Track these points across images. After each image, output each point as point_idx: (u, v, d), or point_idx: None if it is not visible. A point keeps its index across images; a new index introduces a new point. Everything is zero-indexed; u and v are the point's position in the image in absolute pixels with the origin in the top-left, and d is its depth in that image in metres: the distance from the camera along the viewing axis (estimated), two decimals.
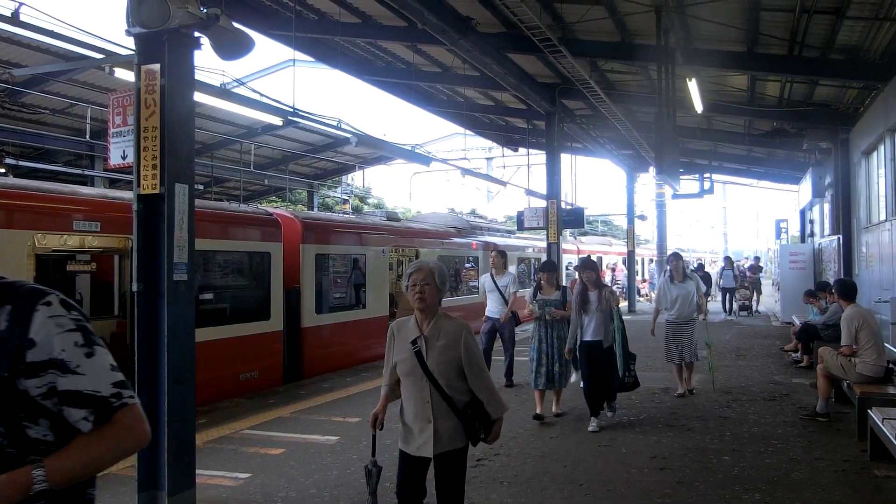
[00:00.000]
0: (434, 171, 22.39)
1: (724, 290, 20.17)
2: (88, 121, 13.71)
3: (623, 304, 24.66)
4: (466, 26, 9.47)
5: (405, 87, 14.70)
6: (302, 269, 10.49)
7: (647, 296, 27.79)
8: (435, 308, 3.37)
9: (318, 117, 11.26)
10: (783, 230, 26.52)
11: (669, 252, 11.56)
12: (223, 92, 9.02)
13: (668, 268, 9.03)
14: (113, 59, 7.17)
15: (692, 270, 16.24)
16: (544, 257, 16.73)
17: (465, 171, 17.24)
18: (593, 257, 31.14)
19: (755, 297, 21.89)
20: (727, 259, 21.88)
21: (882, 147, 10.26)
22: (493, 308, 9.36)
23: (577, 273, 8.41)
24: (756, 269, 22.66)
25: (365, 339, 11.95)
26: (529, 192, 18.12)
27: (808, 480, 5.24)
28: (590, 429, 6.81)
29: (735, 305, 20.33)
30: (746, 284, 21.41)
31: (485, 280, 9.48)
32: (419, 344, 3.30)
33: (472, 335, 3.38)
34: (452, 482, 3.37)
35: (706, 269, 22.86)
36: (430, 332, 3.33)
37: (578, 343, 7.05)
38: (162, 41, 4.76)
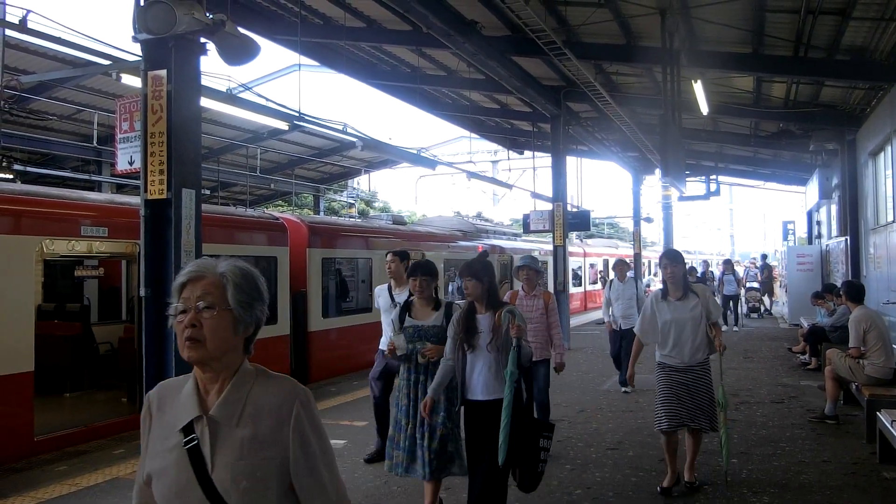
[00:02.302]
0: (440, 174, 22.43)
1: (725, 299, 17.22)
2: (95, 126, 13.78)
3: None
4: (471, 30, 9.48)
5: (410, 91, 14.72)
6: (308, 273, 10.51)
7: None
8: (234, 359, 1.68)
9: (323, 121, 11.29)
10: (790, 232, 26.42)
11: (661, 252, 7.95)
12: (229, 97, 9.05)
13: (654, 281, 8.06)
14: (120, 65, 7.19)
15: (696, 280, 15.71)
16: (550, 260, 16.67)
17: (471, 175, 17.23)
18: (599, 260, 30.77)
19: (767, 298, 21.78)
20: (727, 262, 18.91)
21: (889, 148, 10.21)
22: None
23: (518, 275, 6.50)
24: (767, 268, 22.61)
25: (372, 343, 11.86)
26: (535, 195, 18.10)
27: (816, 483, 5.22)
28: None
29: (741, 311, 18.41)
30: (757, 286, 21.35)
31: (379, 294, 6.20)
32: (197, 433, 1.61)
33: (312, 412, 1.68)
34: None
35: (711, 272, 21.48)
36: (222, 409, 1.63)
37: (460, 402, 4.15)
38: (168, 47, 4.79)
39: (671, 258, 5.21)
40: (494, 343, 3.94)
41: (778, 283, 24.02)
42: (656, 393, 5.22)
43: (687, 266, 5.96)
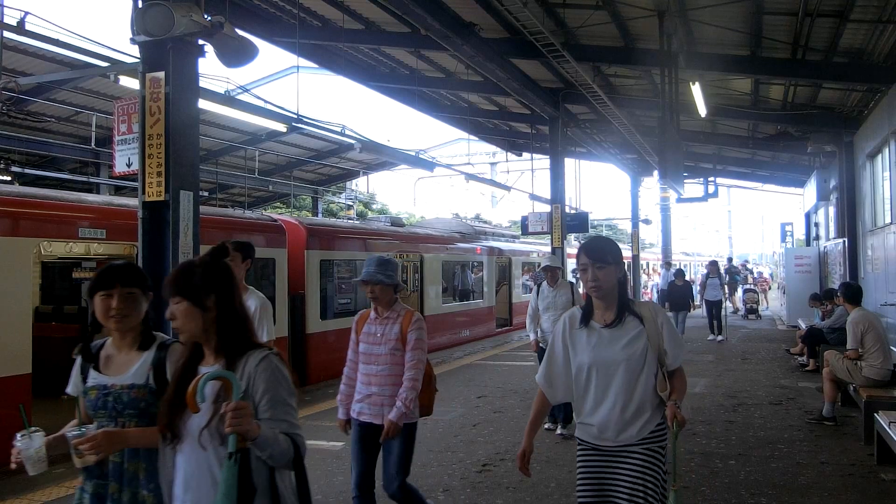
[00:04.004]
0: (438, 176, 22.50)
1: (708, 305, 15.17)
2: (93, 128, 13.79)
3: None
4: (469, 32, 9.49)
5: (409, 93, 14.74)
6: (306, 275, 10.50)
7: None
8: None
9: (322, 123, 11.31)
10: (788, 233, 26.50)
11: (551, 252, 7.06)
12: (227, 99, 9.07)
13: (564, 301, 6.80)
14: (118, 67, 7.19)
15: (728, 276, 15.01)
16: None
17: (469, 176, 17.26)
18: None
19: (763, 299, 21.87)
20: (712, 264, 16.40)
21: (886, 150, 10.22)
22: None
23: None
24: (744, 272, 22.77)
25: None
26: (534, 197, 18.13)
27: (814, 485, 5.22)
28: None
29: (725, 321, 15.42)
30: (755, 288, 21.47)
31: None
32: None
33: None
34: None
35: (687, 279, 16.73)
36: None
37: None
38: (166, 49, 4.80)
39: (594, 253, 2.81)
40: (213, 430, 2.03)
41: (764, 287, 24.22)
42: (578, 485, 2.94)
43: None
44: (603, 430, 2.80)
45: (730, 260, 26.23)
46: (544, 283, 7.25)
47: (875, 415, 5.77)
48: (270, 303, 4.35)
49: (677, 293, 14.67)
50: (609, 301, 2.84)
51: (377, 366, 3.87)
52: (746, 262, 30.40)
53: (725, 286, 16.85)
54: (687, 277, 16.85)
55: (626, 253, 29.88)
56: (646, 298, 23.01)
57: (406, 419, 3.79)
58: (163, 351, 2.48)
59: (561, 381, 2.93)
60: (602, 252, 2.80)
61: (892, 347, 7.04)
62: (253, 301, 4.15)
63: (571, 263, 24.03)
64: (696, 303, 19.15)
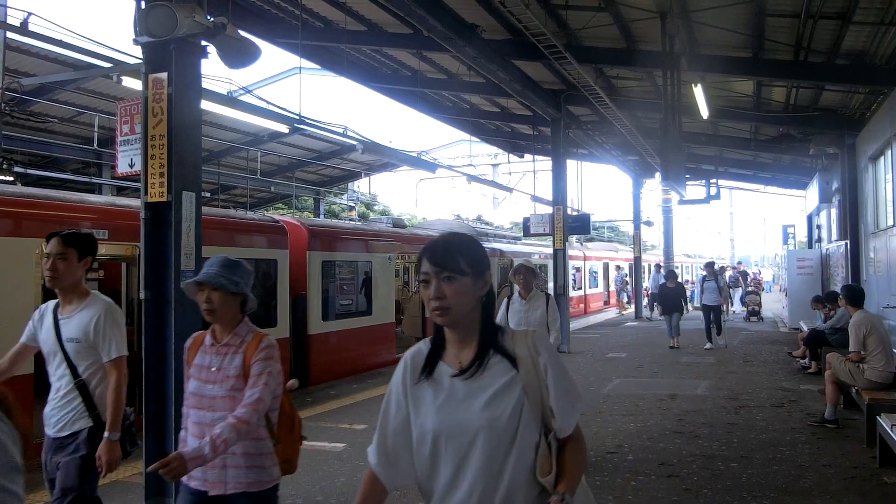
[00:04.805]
0: (440, 177, 22.51)
1: (705, 310, 14.38)
2: (96, 129, 13.80)
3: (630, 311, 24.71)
4: (471, 33, 9.50)
5: (411, 94, 14.75)
6: (308, 276, 10.50)
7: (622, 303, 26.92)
8: None
9: (324, 125, 11.31)
10: (790, 235, 26.51)
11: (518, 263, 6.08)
12: (230, 100, 9.08)
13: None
14: (120, 67, 7.22)
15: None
16: (550, 264, 16.65)
17: (471, 178, 17.28)
18: (599, 264, 30.70)
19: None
20: (709, 266, 15.55)
21: (889, 152, 10.22)
22: None
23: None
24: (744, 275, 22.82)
25: (371, 346, 11.95)
26: (535, 199, 18.14)
27: (816, 487, 5.21)
28: None
29: (725, 325, 14.95)
30: (755, 289, 21.48)
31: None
32: None
33: None
34: None
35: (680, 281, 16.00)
36: None
37: None
38: (169, 50, 4.80)
39: (439, 257, 1.83)
40: None
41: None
42: None
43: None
44: None
45: (739, 264, 26.22)
46: (515, 294, 5.91)
47: (877, 417, 5.76)
48: (121, 309, 3.40)
49: (669, 295, 14.40)
50: (464, 333, 1.85)
51: (212, 412, 2.72)
52: (740, 263, 30.27)
53: (724, 289, 16.27)
54: (687, 278, 16.79)
55: (628, 255, 29.96)
56: (645, 300, 23.01)
57: (252, 481, 2.72)
58: None
59: (401, 455, 1.87)
60: (449, 256, 1.80)
61: (894, 350, 7.02)
62: (93, 309, 3.32)
63: (572, 264, 24.09)
64: (694, 303, 19.10)
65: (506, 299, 5.93)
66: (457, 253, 1.81)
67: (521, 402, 1.77)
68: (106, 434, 3.23)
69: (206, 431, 2.64)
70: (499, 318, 5.57)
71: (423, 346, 1.93)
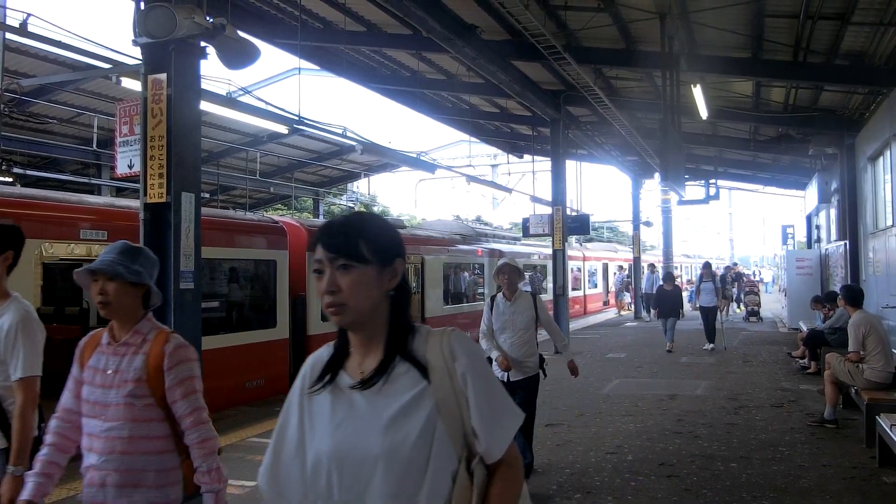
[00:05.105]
0: (439, 178, 22.50)
1: (703, 311, 14.08)
2: (95, 130, 13.81)
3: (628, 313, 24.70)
4: (471, 34, 9.51)
5: (410, 95, 14.76)
6: (308, 277, 10.50)
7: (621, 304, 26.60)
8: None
9: (323, 125, 11.32)
10: (790, 236, 26.52)
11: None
12: (229, 100, 9.09)
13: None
14: (120, 68, 7.21)
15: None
16: (550, 265, 16.64)
17: (471, 178, 17.29)
18: (598, 264, 30.75)
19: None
20: (706, 266, 15.12)
21: (888, 152, 10.22)
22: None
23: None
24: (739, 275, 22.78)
25: None
26: (535, 199, 18.14)
27: (816, 487, 5.21)
28: None
29: (723, 325, 14.53)
30: (754, 290, 21.48)
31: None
32: None
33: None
34: None
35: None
36: None
37: None
38: (168, 51, 4.80)
39: (334, 240, 1.45)
40: None
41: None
42: None
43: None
44: None
45: (735, 265, 26.10)
46: (499, 296, 5.47)
47: (876, 417, 5.76)
48: (38, 317, 2.88)
49: (667, 298, 13.50)
50: (369, 336, 1.50)
51: (103, 422, 2.33)
52: (736, 264, 30.16)
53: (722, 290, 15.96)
54: (687, 278, 16.77)
55: (628, 255, 29.95)
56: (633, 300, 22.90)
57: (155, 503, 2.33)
58: None
59: (294, 488, 1.48)
60: (347, 239, 1.45)
61: (893, 350, 7.03)
62: (8, 316, 2.76)
63: (571, 264, 24.11)
64: (692, 304, 19.04)
65: (489, 301, 5.53)
66: (356, 236, 1.44)
67: (431, 422, 1.40)
68: (10, 468, 2.58)
69: (93, 443, 2.32)
70: (483, 325, 5.40)
71: (324, 351, 1.57)
